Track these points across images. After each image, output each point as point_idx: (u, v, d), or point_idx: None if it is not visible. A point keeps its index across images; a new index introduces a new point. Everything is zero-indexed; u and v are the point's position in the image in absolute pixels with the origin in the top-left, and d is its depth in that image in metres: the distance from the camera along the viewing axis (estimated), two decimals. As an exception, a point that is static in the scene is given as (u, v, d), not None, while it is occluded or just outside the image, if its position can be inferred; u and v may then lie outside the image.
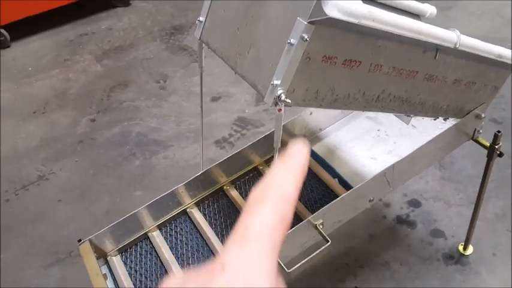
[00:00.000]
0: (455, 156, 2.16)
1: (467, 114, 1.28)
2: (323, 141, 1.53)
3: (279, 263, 1.13)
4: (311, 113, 1.49)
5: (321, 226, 1.19)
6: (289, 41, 0.81)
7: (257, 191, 0.35)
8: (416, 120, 1.50)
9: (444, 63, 1.09)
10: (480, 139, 1.38)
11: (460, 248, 1.78)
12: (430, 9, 1.17)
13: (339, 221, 1.24)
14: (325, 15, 0.78)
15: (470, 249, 1.77)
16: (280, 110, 0.86)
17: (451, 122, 1.37)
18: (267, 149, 1.46)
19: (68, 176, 2.32)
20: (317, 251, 1.16)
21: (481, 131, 1.37)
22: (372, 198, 1.27)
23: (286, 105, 0.86)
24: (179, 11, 3.58)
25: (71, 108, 2.75)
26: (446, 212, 1.93)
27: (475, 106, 1.29)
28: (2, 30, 3.21)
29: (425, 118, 1.47)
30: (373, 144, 1.48)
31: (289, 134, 1.50)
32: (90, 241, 1.27)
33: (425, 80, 1.09)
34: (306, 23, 0.80)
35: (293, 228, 1.14)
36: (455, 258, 1.76)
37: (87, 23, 3.55)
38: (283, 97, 0.84)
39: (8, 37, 3.26)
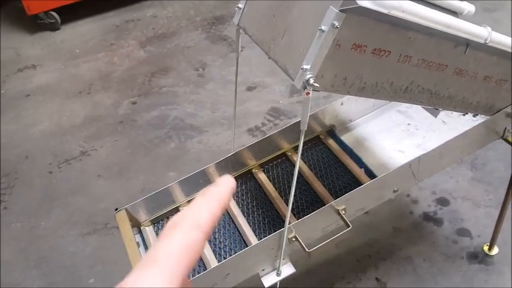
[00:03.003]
0: (488, 157, 2.14)
1: (497, 112, 1.29)
2: (352, 131, 1.57)
3: (300, 243, 1.19)
4: (342, 104, 1.53)
5: (343, 212, 1.22)
6: (320, 27, 0.86)
7: (173, 219, 0.37)
8: (447, 117, 1.51)
9: (475, 59, 1.10)
10: (510, 138, 1.38)
11: (485, 248, 1.77)
12: (468, 7, 1.18)
13: (361, 208, 1.28)
14: (356, 4, 0.82)
15: (495, 250, 1.76)
16: (308, 93, 0.91)
17: (481, 118, 1.38)
18: (296, 136, 1.51)
19: (108, 154, 2.45)
20: (337, 234, 1.20)
21: (511, 130, 1.37)
22: (396, 189, 1.30)
23: (315, 89, 0.91)
24: (221, 2, 3.66)
25: (114, 90, 2.88)
26: (474, 212, 1.92)
27: (506, 104, 1.29)
28: (54, 13, 3.39)
29: (456, 114, 1.48)
30: (402, 137, 1.51)
31: (319, 122, 1.54)
32: (126, 210, 1.36)
33: (455, 74, 1.11)
34: (337, 11, 0.84)
35: (315, 212, 1.19)
36: (479, 257, 1.76)
37: (133, 10, 3.68)
38: (311, 81, 0.89)
39: (59, 20, 3.43)
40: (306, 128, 0.99)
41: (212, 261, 1.26)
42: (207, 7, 3.61)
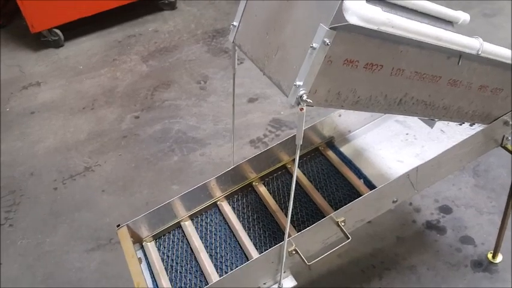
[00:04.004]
0: (490, 164, 2.14)
1: (494, 120, 1.29)
2: (351, 142, 1.58)
3: (300, 256, 1.19)
4: (340, 115, 1.54)
5: (342, 224, 1.23)
6: (311, 45, 0.88)
7: None
8: (445, 126, 1.51)
9: (468, 69, 1.11)
10: (509, 146, 1.38)
11: (489, 255, 1.76)
12: (463, 16, 1.19)
13: (361, 219, 1.28)
14: (346, 21, 0.83)
15: (499, 258, 1.75)
16: (302, 109, 0.92)
17: (479, 127, 1.38)
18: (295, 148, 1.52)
19: (112, 168, 2.47)
20: (337, 247, 1.20)
21: (510, 138, 1.37)
22: (395, 200, 1.30)
23: (308, 105, 0.92)
24: (222, 15, 3.70)
25: (117, 105, 2.91)
26: (478, 219, 1.91)
27: (503, 113, 1.29)
28: (57, 30, 3.44)
29: (455, 124, 1.49)
30: (401, 147, 1.51)
31: (318, 134, 1.56)
32: (128, 226, 1.37)
33: (449, 85, 1.12)
34: (327, 28, 0.86)
35: (314, 224, 1.19)
36: (483, 265, 1.75)
37: (135, 25, 3.73)
38: (305, 97, 0.90)
39: (62, 37, 3.48)
40: (301, 143, 1.00)
41: (214, 276, 1.27)
42: (207, 20, 3.65)
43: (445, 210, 1.97)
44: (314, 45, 0.87)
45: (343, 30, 0.87)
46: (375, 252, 1.86)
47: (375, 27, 0.86)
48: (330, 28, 0.86)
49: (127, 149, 2.58)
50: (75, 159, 2.55)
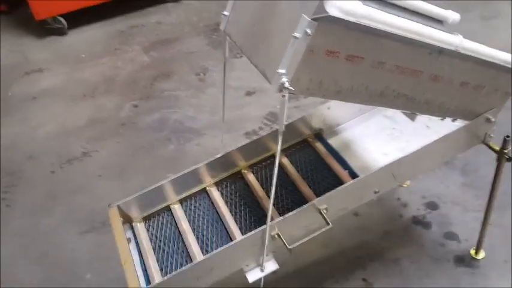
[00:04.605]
0: (479, 163, 2.18)
1: (476, 117, 1.33)
2: (339, 135, 1.62)
3: (281, 240, 1.23)
4: (329, 108, 1.58)
5: (324, 211, 1.27)
6: (294, 34, 0.92)
7: None
8: (430, 122, 1.55)
9: (450, 65, 1.15)
10: (491, 143, 1.42)
11: (472, 251, 1.80)
12: (452, 16, 1.23)
13: (343, 208, 1.33)
14: (326, 12, 0.88)
15: (482, 254, 1.79)
16: (284, 96, 0.97)
17: (462, 123, 1.42)
18: (285, 139, 1.56)
19: (109, 155, 2.52)
20: (317, 232, 1.25)
21: (492, 135, 1.41)
22: (377, 190, 1.34)
23: (290, 92, 0.97)
24: (224, 8, 3.73)
25: (117, 93, 2.96)
26: (463, 216, 1.95)
27: (485, 110, 1.33)
28: (61, 18, 3.49)
29: (439, 119, 1.53)
30: (387, 141, 1.56)
31: (307, 126, 1.60)
32: (119, 207, 1.42)
33: (431, 80, 1.16)
34: (309, 19, 0.90)
35: (297, 210, 1.24)
36: (466, 261, 1.79)
37: (138, 16, 3.78)
38: (286, 84, 0.95)
39: (66, 25, 3.53)
40: (283, 129, 1.05)
41: (199, 257, 1.32)
42: (209, 13, 3.69)
43: (432, 206, 2.01)
44: (296, 34, 0.92)
45: (325, 21, 0.91)
46: (361, 244, 1.90)
47: (354, 20, 0.90)
48: (312, 19, 0.90)
49: (125, 137, 2.63)
50: (73, 145, 2.60)
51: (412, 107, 1.20)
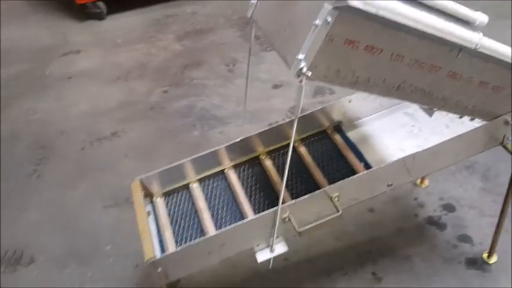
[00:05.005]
0: (501, 169, 2.16)
1: (495, 118, 1.34)
2: (358, 129, 1.65)
3: (291, 223, 1.28)
4: (350, 101, 1.61)
5: (336, 199, 1.31)
6: (314, 22, 0.96)
7: None
8: (450, 121, 1.57)
9: (469, 64, 1.17)
10: (509, 146, 1.42)
11: (485, 255, 1.80)
12: (480, 17, 1.24)
13: (355, 198, 1.36)
14: (346, 3, 0.92)
15: (494, 258, 1.79)
16: (301, 81, 1.01)
17: (480, 124, 1.42)
18: (304, 128, 1.61)
19: (137, 136, 2.62)
20: (327, 218, 1.28)
21: (510, 138, 1.41)
22: (390, 184, 1.37)
23: (308, 78, 1.01)
24: (259, 2, 3.79)
25: (148, 79, 3.07)
26: (479, 220, 1.95)
27: (504, 112, 1.34)
28: (100, 3, 3.62)
29: (460, 120, 1.54)
30: (405, 137, 1.57)
31: (327, 117, 1.64)
32: (141, 180, 1.50)
33: (449, 77, 1.18)
34: (330, 8, 0.94)
35: (309, 195, 1.28)
36: (477, 264, 1.79)
37: (175, 5, 3.88)
38: (304, 70, 0.99)
39: (105, 10, 3.67)
40: (299, 114, 1.09)
41: (212, 232, 1.38)
42: (243, 6, 3.73)
43: (449, 208, 2.01)
44: (317, 22, 0.96)
45: (345, 10, 0.95)
46: (374, 240, 1.93)
47: (374, 11, 0.93)
48: (333, 8, 0.94)
49: (153, 120, 2.72)
50: (104, 124, 2.71)
51: (429, 102, 1.22)
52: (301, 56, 0.99)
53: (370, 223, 2.00)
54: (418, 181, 2.12)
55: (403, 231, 1.95)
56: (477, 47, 1.09)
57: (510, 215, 1.89)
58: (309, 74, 1.00)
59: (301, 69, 0.99)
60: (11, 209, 2.25)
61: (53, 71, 3.19)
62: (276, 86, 2.88)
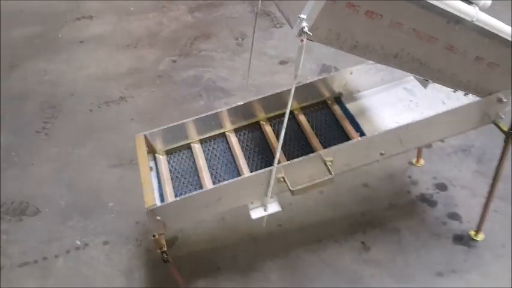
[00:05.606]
0: (496, 154, 2.19)
1: (488, 95, 1.39)
2: (358, 101, 1.70)
3: (286, 183, 1.34)
4: (351, 73, 1.66)
5: (329, 163, 1.37)
6: (318, -17, 1.01)
7: None
8: (447, 98, 1.61)
9: (466, 38, 1.21)
10: (501, 124, 1.47)
11: (472, 233, 1.86)
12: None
13: (348, 164, 1.41)
14: (348, -35, 0.96)
15: (481, 236, 1.85)
16: (302, 40, 1.06)
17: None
18: (305, 97, 1.66)
19: (144, 102, 2.68)
20: (320, 179, 1.34)
21: (503, 116, 1.46)
22: (383, 152, 1.42)
23: (309, 38, 1.06)
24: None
25: (158, 48, 3.12)
26: (470, 200, 2.00)
27: (497, 89, 1.38)
28: (116, -29, 3.65)
29: (456, 97, 1.58)
30: (402, 111, 1.62)
31: (328, 88, 1.69)
32: (145, 136, 1.57)
33: (446, 49, 1.22)
34: (333, -30, 0.99)
35: (303, 157, 1.34)
36: (464, 240, 1.85)
37: (188, -23, 3.90)
38: (306, 29, 1.04)
39: (119, -22, 3.70)
40: (298, 74, 1.14)
41: (209, 186, 1.44)
42: (256, -17, 3.77)
43: (441, 187, 2.07)
44: (320, -17, 1.00)
45: (347, -26, 0.99)
46: (366, 212, 1.99)
47: (375, -25, 0.98)
48: (336, -30, 0.99)
49: (160, 88, 2.78)
50: (112, 89, 2.77)
51: (425, 73, 1.27)
52: (303, 16, 1.04)
53: (364, 197, 2.06)
54: (414, 160, 2.18)
55: (394, 206, 2.01)
56: (473, 19, 1.13)
57: (504, 198, 1.96)
58: (310, 33, 1.04)
59: (303, 28, 1.04)
60: (19, 162, 2.33)
61: (65, 35, 3.25)
62: (282, 62, 2.92)
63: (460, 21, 1.16)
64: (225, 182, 1.34)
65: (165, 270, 1.82)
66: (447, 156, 2.20)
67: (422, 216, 1.96)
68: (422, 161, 2.17)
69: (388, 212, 1.98)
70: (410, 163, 2.18)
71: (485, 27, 1.17)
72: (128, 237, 1.97)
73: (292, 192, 1.34)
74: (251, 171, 1.51)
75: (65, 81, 2.83)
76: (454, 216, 1.95)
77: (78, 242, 1.96)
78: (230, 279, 1.80)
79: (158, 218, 1.32)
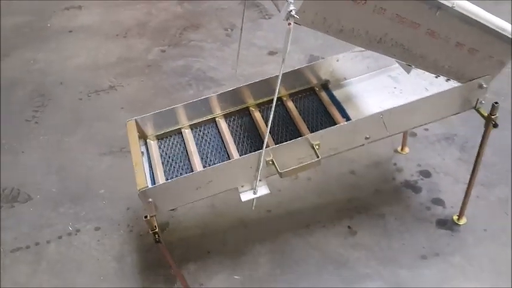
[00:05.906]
0: (478, 142, 2.26)
1: (469, 81, 1.44)
2: (344, 88, 1.74)
3: (275, 166, 1.38)
4: (338, 60, 1.70)
5: (317, 146, 1.41)
6: (304, -32, 1.04)
7: None
8: (430, 85, 1.66)
9: (448, 24, 1.26)
10: (481, 109, 1.52)
11: (455, 217, 1.92)
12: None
13: (335, 148, 1.46)
14: (335, -49, 1.00)
15: (463, 220, 1.91)
16: (289, 24, 1.10)
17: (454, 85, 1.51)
18: (293, 83, 1.70)
19: (133, 91, 2.70)
20: (307, 162, 1.39)
21: (483, 102, 1.51)
22: (368, 136, 1.47)
23: (296, 21, 1.10)
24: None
25: (147, 37, 3.13)
26: (453, 187, 2.06)
27: (478, 75, 1.43)
28: (105, -39, 3.64)
29: (438, 83, 1.63)
30: (386, 98, 1.67)
31: (315, 75, 1.72)
32: (136, 121, 1.59)
33: (428, 34, 1.26)
34: (320, -45, 1.02)
35: (291, 141, 1.38)
36: (447, 224, 1.91)
37: (177, -31, 3.90)
38: (293, 13, 1.08)
39: (108, -31, 3.69)
40: (286, 57, 1.18)
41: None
42: (246, -25, 3.79)
43: (425, 174, 2.13)
44: (306, -32, 1.04)
45: (333, -41, 1.03)
46: (352, 199, 2.04)
47: (359, -39, 1.02)
48: (322, -44, 1.02)
49: (149, 77, 2.80)
50: (102, 78, 2.79)
51: (408, 58, 1.31)
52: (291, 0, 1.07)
53: (350, 184, 2.11)
54: (399, 148, 2.23)
55: (380, 192, 2.07)
56: (453, 5, 1.18)
57: (486, 185, 2.02)
58: (297, 17, 1.08)
59: (290, 11, 1.08)
60: (10, 150, 2.34)
61: (54, 24, 3.24)
62: (271, 53, 2.95)
63: (440, 6, 1.20)
64: (216, 165, 1.38)
65: (156, 255, 1.87)
66: (431, 145, 2.26)
67: (407, 202, 2.01)
68: (407, 149, 2.23)
69: (374, 198, 2.04)
70: (396, 151, 2.23)
71: (465, 13, 1.22)
72: (119, 223, 2.00)
73: (280, 174, 1.38)
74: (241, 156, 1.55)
75: (54, 70, 2.83)
76: (437, 201, 2.01)
77: (70, 228, 1.98)
78: (220, 263, 1.84)
79: (150, 199, 1.35)
